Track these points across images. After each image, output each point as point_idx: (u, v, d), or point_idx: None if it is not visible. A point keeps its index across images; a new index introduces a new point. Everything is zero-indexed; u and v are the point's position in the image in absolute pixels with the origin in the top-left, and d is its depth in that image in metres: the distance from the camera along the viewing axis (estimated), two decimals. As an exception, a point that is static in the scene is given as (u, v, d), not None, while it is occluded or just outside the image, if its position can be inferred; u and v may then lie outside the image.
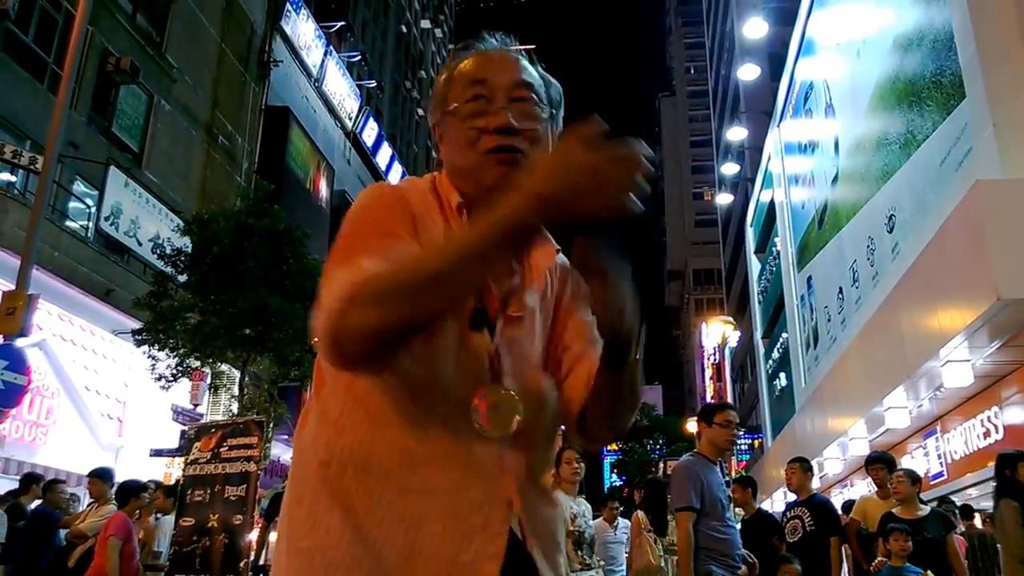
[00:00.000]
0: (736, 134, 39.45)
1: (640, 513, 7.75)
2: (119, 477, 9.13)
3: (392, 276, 1.19)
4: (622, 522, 8.65)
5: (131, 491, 7.75)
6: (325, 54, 30.76)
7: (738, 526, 8.27)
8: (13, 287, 10.26)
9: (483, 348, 1.37)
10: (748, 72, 35.85)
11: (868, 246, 14.74)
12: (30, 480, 9.74)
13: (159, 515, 8.64)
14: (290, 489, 1.40)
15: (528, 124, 1.41)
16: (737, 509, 9.17)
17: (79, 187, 16.89)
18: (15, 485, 12.48)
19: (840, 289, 17.37)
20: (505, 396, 1.34)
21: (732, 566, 4.74)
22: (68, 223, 16.22)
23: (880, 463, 7.24)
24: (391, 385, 1.32)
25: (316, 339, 1.24)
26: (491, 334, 1.39)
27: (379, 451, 1.31)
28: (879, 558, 6.51)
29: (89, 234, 16.74)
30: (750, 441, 39.95)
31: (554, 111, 1.49)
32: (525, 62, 1.49)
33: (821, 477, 17.26)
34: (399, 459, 1.30)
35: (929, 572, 5.85)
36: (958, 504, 9.28)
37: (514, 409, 1.34)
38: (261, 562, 9.42)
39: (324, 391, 1.40)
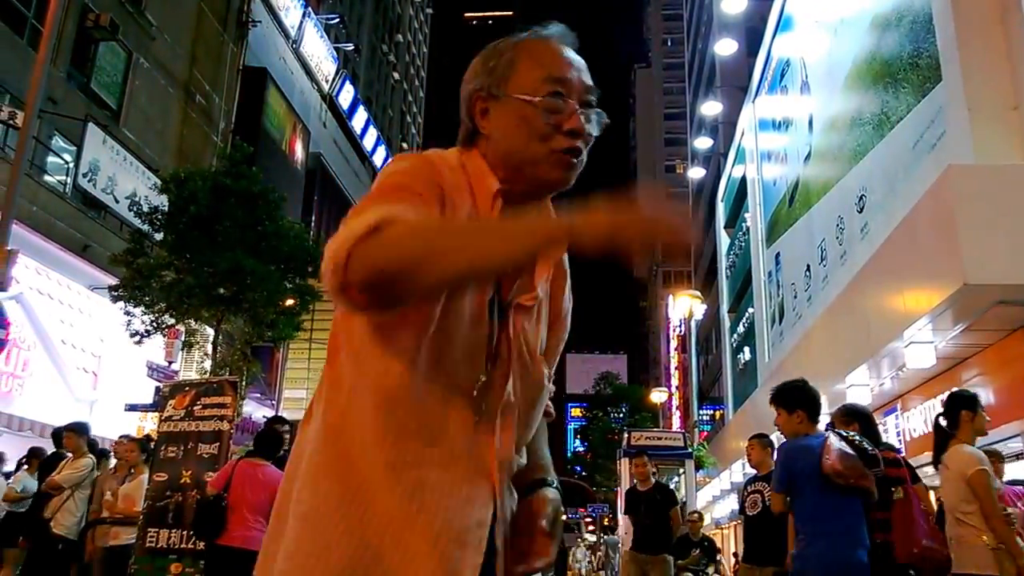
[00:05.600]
0: (711, 108, 39.58)
1: None
2: (94, 431, 9.21)
3: (418, 227, 1.24)
4: None
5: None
6: (303, 15, 30.47)
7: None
8: (-9, 241, 10.28)
9: (484, 335, 1.40)
10: (725, 47, 35.91)
11: (838, 225, 14.91)
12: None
13: None
14: (309, 458, 1.39)
15: (591, 130, 1.46)
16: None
17: (57, 143, 16.76)
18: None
19: (808, 267, 17.61)
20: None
21: None
22: (46, 178, 16.12)
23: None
24: (396, 362, 1.35)
25: (326, 263, 1.21)
26: (498, 321, 1.42)
27: (380, 420, 1.34)
28: None
29: (67, 190, 16.64)
30: (712, 412, 40.55)
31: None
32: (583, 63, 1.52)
33: (782, 450, 17.57)
34: (397, 433, 1.34)
35: None
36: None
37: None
38: None
39: (339, 358, 1.42)
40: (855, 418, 5.28)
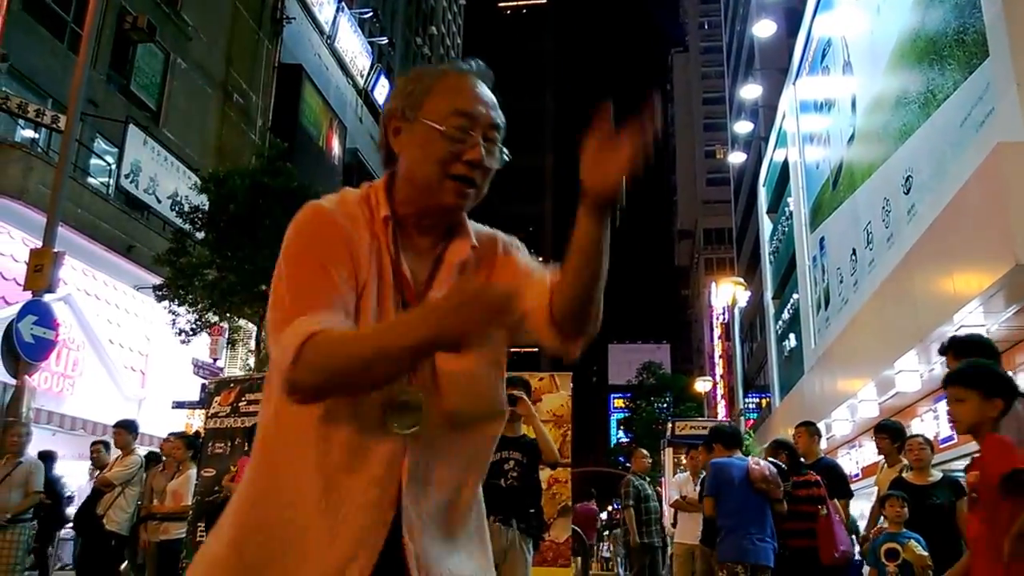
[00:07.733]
0: (750, 92, 39.02)
1: None
2: (142, 428, 9.34)
3: (335, 351, 1.34)
4: None
5: None
6: (337, 10, 30.58)
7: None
8: (38, 242, 10.44)
9: None
10: (764, 28, 35.34)
11: (884, 207, 14.64)
12: None
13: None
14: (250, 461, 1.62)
15: (491, 164, 1.57)
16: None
17: (99, 145, 17.05)
18: (46, 434, 12.74)
19: (853, 251, 17.31)
20: (413, 395, 1.47)
21: None
22: (90, 180, 16.40)
23: (884, 433, 7.10)
24: None
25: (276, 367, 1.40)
26: None
27: (305, 433, 1.46)
28: (878, 524, 6.53)
29: (110, 191, 16.92)
30: (757, 400, 40.19)
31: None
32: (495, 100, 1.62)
33: (829, 438, 17.23)
34: (314, 443, 1.45)
35: (913, 542, 5.81)
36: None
37: (420, 408, 1.46)
38: None
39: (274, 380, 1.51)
40: (783, 448, 6.76)
